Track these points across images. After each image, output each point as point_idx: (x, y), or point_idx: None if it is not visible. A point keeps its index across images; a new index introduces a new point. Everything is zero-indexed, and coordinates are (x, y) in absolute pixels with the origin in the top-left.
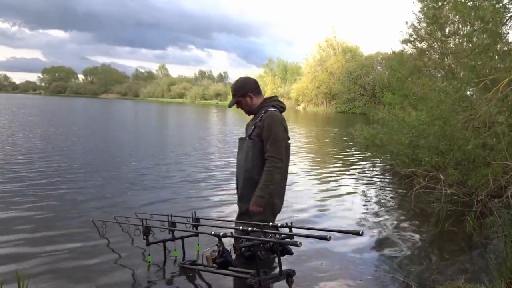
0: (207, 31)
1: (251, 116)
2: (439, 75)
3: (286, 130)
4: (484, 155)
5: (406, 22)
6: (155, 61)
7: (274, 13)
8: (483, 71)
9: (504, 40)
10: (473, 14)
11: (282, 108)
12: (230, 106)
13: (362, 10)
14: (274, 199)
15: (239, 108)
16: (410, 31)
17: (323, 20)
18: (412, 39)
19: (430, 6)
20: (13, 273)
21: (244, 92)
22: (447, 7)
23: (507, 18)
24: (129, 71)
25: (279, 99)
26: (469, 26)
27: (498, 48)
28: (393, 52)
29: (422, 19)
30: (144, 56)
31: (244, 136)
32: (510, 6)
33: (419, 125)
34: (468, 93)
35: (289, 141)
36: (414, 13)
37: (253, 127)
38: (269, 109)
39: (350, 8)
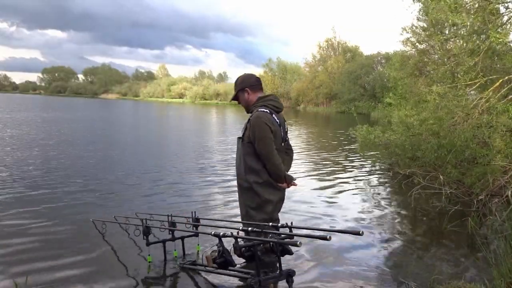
0: (203, 31)
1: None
2: (438, 75)
3: (272, 130)
4: (483, 153)
5: (412, 26)
6: (153, 61)
7: (268, 13)
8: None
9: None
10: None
11: (275, 108)
12: (231, 100)
13: (362, 10)
14: (274, 213)
15: (239, 104)
16: (409, 34)
17: (320, 20)
18: (412, 41)
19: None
20: (10, 272)
21: (243, 86)
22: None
23: (505, 20)
24: (128, 71)
25: (276, 98)
26: (467, 28)
27: (498, 48)
28: (394, 53)
29: (421, 18)
30: (142, 56)
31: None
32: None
33: (414, 121)
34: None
35: (282, 144)
36: (417, 18)
37: (244, 128)
38: (259, 109)
39: (349, 8)
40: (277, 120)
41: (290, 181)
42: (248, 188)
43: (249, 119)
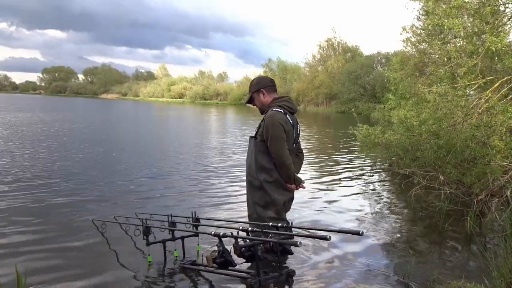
0: (203, 31)
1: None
2: (438, 76)
3: (285, 130)
4: (483, 153)
5: (413, 26)
6: (153, 61)
7: (268, 13)
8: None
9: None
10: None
11: (289, 109)
12: (245, 102)
13: (362, 10)
14: (282, 214)
15: (254, 106)
16: (410, 34)
17: (320, 20)
18: (412, 41)
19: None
20: (12, 274)
21: (259, 87)
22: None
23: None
24: (128, 71)
25: (290, 99)
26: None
27: (499, 47)
28: (394, 53)
29: (421, 18)
30: (142, 56)
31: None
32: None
33: (414, 122)
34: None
35: (294, 145)
36: (417, 17)
37: (258, 126)
38: (273, 109)
39: (348, 8)
40: (291, 121)
41: (298, 183)
42: (259, 187)
43: (263, 118)
